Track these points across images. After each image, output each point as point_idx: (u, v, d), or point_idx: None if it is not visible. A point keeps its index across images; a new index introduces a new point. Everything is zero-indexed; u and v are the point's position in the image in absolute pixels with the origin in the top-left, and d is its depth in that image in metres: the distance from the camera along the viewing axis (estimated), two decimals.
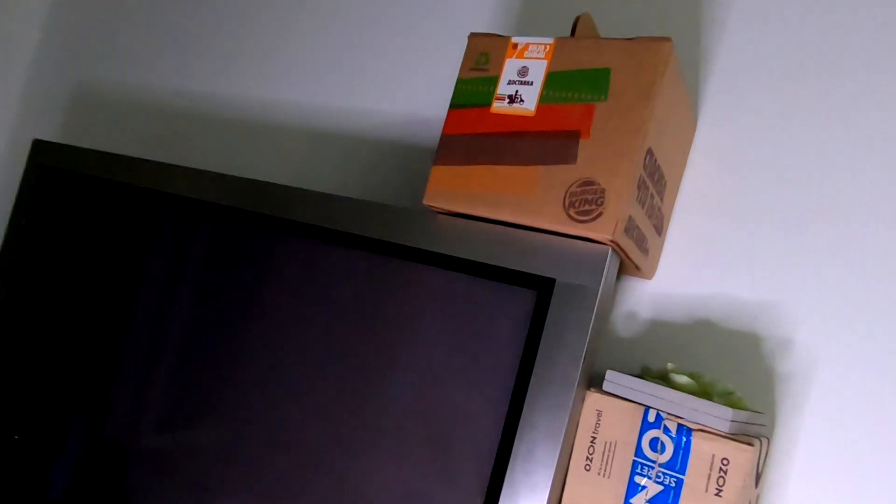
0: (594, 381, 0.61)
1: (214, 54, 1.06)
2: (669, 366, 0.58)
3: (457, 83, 0.64)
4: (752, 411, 0.57)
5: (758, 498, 0.59)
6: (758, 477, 0.55)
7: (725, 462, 0.50)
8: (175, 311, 0.77)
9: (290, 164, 0.96)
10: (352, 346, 0.65)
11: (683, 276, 0.68)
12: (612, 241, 0.54)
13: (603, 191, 0.54)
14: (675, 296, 0.68)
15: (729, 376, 0.63)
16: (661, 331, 0.68)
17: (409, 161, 0.88)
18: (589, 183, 0.55)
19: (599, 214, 0.54)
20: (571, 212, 0.55)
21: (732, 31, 0.70)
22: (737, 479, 0.50)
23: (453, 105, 0.63)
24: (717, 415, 0.51)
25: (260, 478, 0.67)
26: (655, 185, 0.60)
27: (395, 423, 0.61)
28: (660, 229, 0.66)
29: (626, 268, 0.64)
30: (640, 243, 0.60)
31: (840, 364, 0.60)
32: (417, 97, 0.89)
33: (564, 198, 0.56)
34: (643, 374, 0.60)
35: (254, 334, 0.71)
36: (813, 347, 0.61)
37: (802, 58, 0.66)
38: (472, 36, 0.64)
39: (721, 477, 0.51)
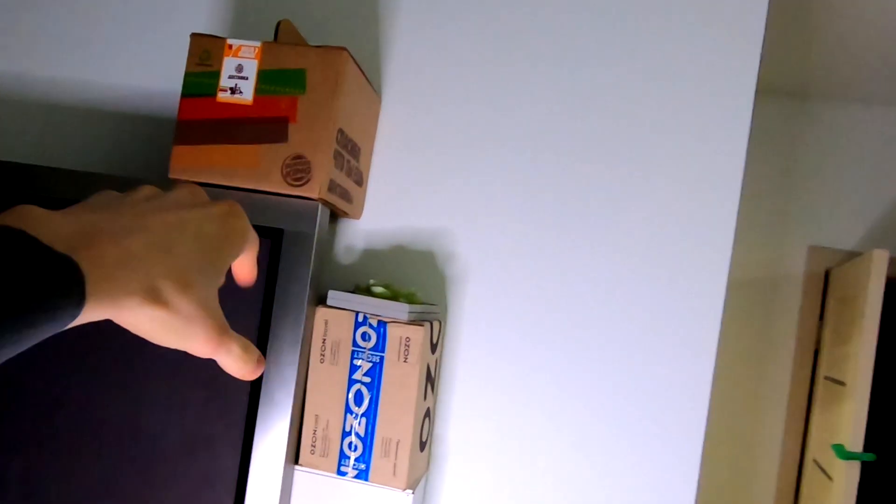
0: (322, 300, 0.82)
1: None
2: (371, 281, 0.82)
3: (185, 76, 0.77)
4: (427, 304, 0.84)
5: (438, 360, 0.87)
6: (434, 346, 0.83)
7: (408, 339, 0.76)
8: None
9: (26, 141, 1.00)
10: None
11: (383, 215, 0.92)
12: (320, 199, 0.75)
13: (309, 163, 0.74)
14: (378, 230, 0.92)
15: (417, 282, 0.90)
16: (371, 257, 0.92)
17: (150, 133, 0.98)
18: (299, 157, 0.75)
19: (308, 180, 0.74)
20: (289, 179, 0.75)
21: (404, 31, 0.93)
22: (416, 349, 0.76)
23: (184, 95, 0.77)
24: (399, 310, 0.76)
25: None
26: (350, 153, 0.82)
27: (169, 366, 0.77)
28: (360, 182, 0.89)
29: (339, 213, 0.86)
30: (344, 196, 0.82)
31: (485, 266, 0.89)
32: (150, 70, 0.99)
33: (282, 168, 0.75)
34: (355, 290, 0.83)
35: None
36: (468, 257, 0.90)
37: (455, 52, 0.92)
38: (194, 36, 0.78)
39: (406, 349, 0.76)
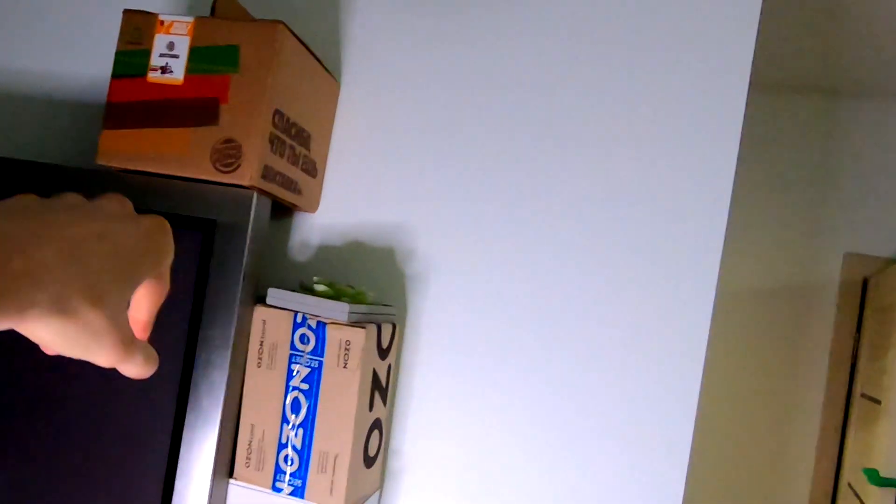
0: (264, 299, 0.75)
1: None
2: (315, 279, 0.74)
3: (115, 55, 0.72)
4: (379, 304, 0.76)
5: (392, 366, 0.79)
6: (385, 351, 0.75)
7: (348, 343, 0.69)
8: None
9: None
10: None
11: (341, 208, 0.85)
12: (252, 186, 0.68)
13: (240, 146, 0.68)
14: (336, 225, 0.85)
15: (376, 281, 0.82)
16: (327, 253, 0.85)
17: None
18: (229, 140, 0.68)
19: (238, 166, 0.68)
20: (218, 165, 0.68)
21: (364, 15, 0.86)
22: (356, 353, 0.69)
23: (114, 75, 0.72)
24: (339, 310, 0.69)
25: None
26: (295, 139, 0.75)
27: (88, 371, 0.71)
28: (313, 173, 0.82)
29: (289, 206, 0.79)
30: (288, 185, 0.75)
31: (450, 265, 0.81)
32: (108, 59, 0.94)
33: (211, 153, 0.68)
34: (300, 288, 0.76)
35: None
36: (432, 255, 0.82)
37: (418, 38, 0.84)
38: (126, 12, 0.73)
39: (346, 353, 0.69)
